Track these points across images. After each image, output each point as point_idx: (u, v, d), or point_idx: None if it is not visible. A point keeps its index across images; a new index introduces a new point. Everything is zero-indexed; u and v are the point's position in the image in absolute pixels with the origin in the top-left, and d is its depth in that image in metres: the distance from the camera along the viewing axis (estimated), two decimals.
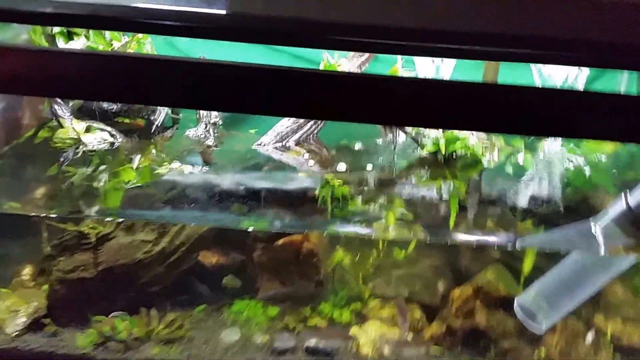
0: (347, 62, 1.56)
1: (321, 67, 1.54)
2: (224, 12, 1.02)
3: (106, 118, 1.39)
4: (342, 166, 1.47)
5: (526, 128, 1.05)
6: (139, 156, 1.36)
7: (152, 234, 1.57)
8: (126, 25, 1.09)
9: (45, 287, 1.64)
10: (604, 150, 1.66)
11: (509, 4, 1.11)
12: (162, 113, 1.49)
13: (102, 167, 1.29)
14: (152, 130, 1.47)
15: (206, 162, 1.43)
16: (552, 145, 1.63)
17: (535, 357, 1.59)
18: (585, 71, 1.58)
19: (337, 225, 1.34)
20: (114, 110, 1.40)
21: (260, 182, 1.41)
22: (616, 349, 1.64)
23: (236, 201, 1.35)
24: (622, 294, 1.64)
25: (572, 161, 1.61)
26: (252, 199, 1.38)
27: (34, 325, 1.57)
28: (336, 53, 1.56)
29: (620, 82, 1.75)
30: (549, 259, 1.62)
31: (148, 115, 1.45)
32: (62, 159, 1.32)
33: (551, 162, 1.61)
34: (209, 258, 1.65)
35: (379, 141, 1.63)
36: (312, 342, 1.57)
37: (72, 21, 1.13)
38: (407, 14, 1.07)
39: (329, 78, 0.95)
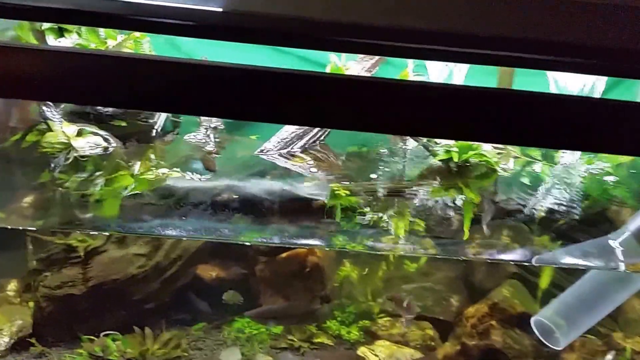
0: (355, 65, 1.49)
1: (328, 70, 1.47)
2: (223, 9, 0.96)
3: (101, 121, 1.30)
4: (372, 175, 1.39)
5: (546, 140, 0.97)
6: (137, 162, 1.27)
7: (145, 247, 1.48)
8: (120, 23, 1.01)
9: (31, 303, 1.53)
10: (621, 160, 1.61)
11: (525, 8, 1.05)
12: (161, 116, 1.40)
13: (96, 174, 1.20)
14: (152, 135, 1.38)
15: (207, 169, 1.34)
16: (569, 155, 1.57)
17: None
18: (602, 81, 1.53)
19: (344, 238, 1.25)
20: (109, 113, 1.32)
21: (263, 191, 1.33)
22: None
23: (237, 212, 1.26)
24: None
25: (590, 172, 1.55)
26: (255, 209, 1.29)
27: (19, 346, 1.48)
28: (344, 55, 1.48)
29: (638, 91, 1.71)
30: (566, 275, 1.56)
31: (146, 118, 1.37)
32: (51, 165, 1.23)
33: (568, 173, 1.55)
34: (208, 272, 1.56)
35: (389, 148, 1.56)
36: None
37: (62, 17, 1.05)
38: (419, 15, 1.01)
39: (334, 82, 0.86)
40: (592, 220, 1.42)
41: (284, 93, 0.83)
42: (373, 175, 1.44)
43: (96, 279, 1.48)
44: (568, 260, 1.40)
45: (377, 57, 1.52)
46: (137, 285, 1.50)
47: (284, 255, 1.53)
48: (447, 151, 1.45)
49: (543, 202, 1.40)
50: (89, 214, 1.18)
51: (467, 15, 1.04)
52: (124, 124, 1.34)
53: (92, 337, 1.52)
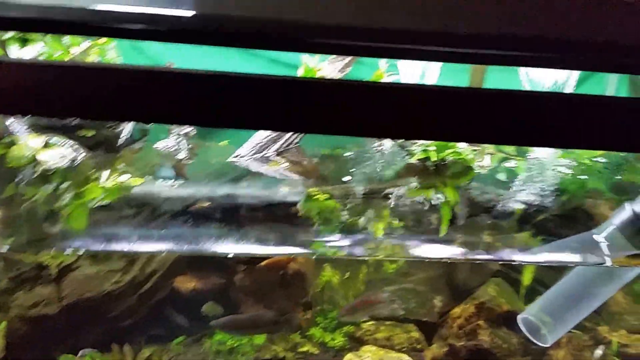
0: (328, 65, 1.48)
1: (300, 72, 1.45)
2: (192, 13, 0.94)
3: (68, 131, 1.27)
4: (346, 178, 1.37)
5: (520, 137, 0.96)
6: (105, 172, 1.23)
7: (120, 262, 1.43)
8: (87, 29, 0.99)
9: (3, 324, 1.48)
10: (595, 154, 1.61)
11: (495, 4, 1.05)
12: (128, 124, 1.37)
13: (62, 187, 1.16)
14: (119, 143, 1.35)
15: (179, 176, 1.31)
16: (543, 149, 1.57)
17: None
18: (575, 75, 1.53)
19: (323, 243, 1.23)
20: (76, 123, 1.28)
21: (238, 198, 1.30)
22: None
23: (213, 221, 1.23)
24: (625, 304, 1.58)
25: (564, 166, 1.55)
26: (232, 217, 1.26)
27: None
28: (317, 56, 1.47)
29: (608, 85, 1.72)
30: (550, 271, 1.55)
31: (114, 127, 1.33)
32: (17, 179, 1.19)
33: (543, 167, 1.55)
34: (186, 284, 1.52)
35: (366, 148, 1.54)
36: None
37: (24, 26, 1.02)
38: (390, 14, 1.00)
39: (307, 85, 0.85)
40: (570, 214, 1.42)
41: (256, 99, 0.81)
42: (348, 177, 1.43)
43: (70, 297, 1.44)
44: (552, 256, 1.40)
45: (349, 57, 1.51)
46: (114, 301, 1.46)
47: (264, 263, 1.50)
48: (425, 150, 1.44)
49: (520, 198, 1.40)
50: (58, 229, 1.14)
51: (439, 14, 1.03)
52: (91, 133, 1.31)
53: (69, 357, 1.46)
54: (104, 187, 1.18)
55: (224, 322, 1.45)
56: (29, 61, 1.19)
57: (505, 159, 1.54)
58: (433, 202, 1.36)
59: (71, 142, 1.23)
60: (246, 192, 1.33)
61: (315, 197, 1.28)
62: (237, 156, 1.40)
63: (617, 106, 0.97)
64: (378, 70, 1.47)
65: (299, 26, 1.01)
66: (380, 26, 1.01)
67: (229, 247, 1.25)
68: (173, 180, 1.31)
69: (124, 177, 1.21)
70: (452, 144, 1.44)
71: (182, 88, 0.79)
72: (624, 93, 1.70)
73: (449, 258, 1.27)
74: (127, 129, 1.38)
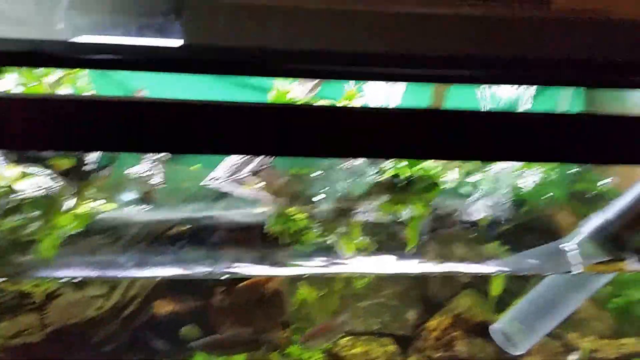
0: (298, 86, 1.55)
1: (272, 94, 1.52)
2: (174, 43, 1.00)
3: (38, 161, 1.31)
4: (294, 199, 1.43)
5: (478, 153, 1.02)
6: (73, 200, 1.27)
7: (102, 288, 1.47)
8: (72, 62, 1.04)
9: None
10: (553, 165, 1.70)
11: (454, 26, 1.13)
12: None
13: (32, 215, 1.20)
14: (87, 170, 1.39)
15: (153, 201, 1.36)
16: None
17: None
18: (531, 88, 1.62)
19: (295, 262, 1.28)
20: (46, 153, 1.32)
21: (214, 220, 1.35)
22: None
23: (190, 244, 1.28)
24: (592, 310, 1.64)
25: (525, 177, 1.63)
26: (208, 240, 1.31)
27: None
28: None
29: (562, 98, 1.82)
30: (519, 281, 1.61)
31: (81, 154, 1.38)
32: None
33: (504, 180, 1.62)
34: (164, 307, 1.55)
35: (337, 167, 1.61)
36: None
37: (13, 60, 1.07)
38: (356, 40, 1.07)
39: (278, 111, 0.90)
40: (532, 224, 1.48)
41: (228, 124, 0.86)
42: (320, 196, 1.48)
43: (54, 325, 1.47)
44: (522, 266, 1.45)
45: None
46: (97, 327, 1.49)
47: (243, 284, 1.54)
48: (396, 167, 1.51)
49: (485, 210, 1.46)
50: (28, 258, 1.17)
51: (402, 38, 1.11)
52: (63, 161, 1.35)
53: None
54: (74, 214, 1.22)
55: (204, 343, 1.49)
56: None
57: (468, 174, 1.61)
58: (402, 218, 1.42)
59: (48, 171, 1.28)
60: (221, 214, 1.38)
61: (285, 216, 1.33)
62: (212, 179, 1.46)
63: (564, 121, 1.05)
64: (351, 90, 1.54)
65: (269, 52, 1.07)
66: (344, 50, 1.08)
67: (206, 269, 1.30)
68: (147, 205, 1.35)
69: (95, 204, 1.25)
70: (421, 160, 1.51)
71: (155, 116, 0.83)
72: (579, 105, 1.79)
73: (420, 272, 1.32)
74: (94, 156, 1.42)
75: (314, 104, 1.37)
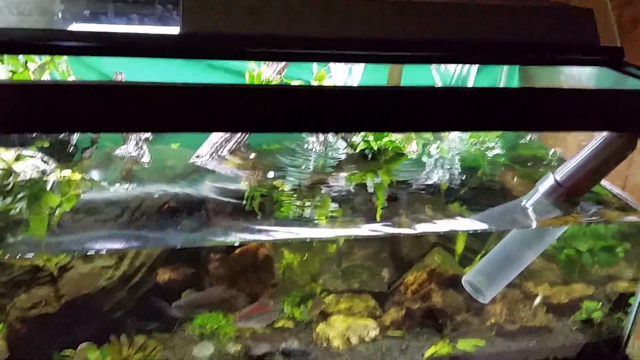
0: (267, 68, 1.68)
1: (247, 77, 1.66)
2: (169, 31, 1.10)
3: (25, 143, 1.36)
4: (270, 174, 1.58)
5: (434, 125, 1.17)
6: (55, 181, 1.35)
7: (111, 259, 1.62)
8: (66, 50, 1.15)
9: (1, 327, 1.58)
10: (496, 134, 1.90)
11: (411, 12, 1.31)
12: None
13: (20, 196, 1.29)
14: (70, 151, 1.47)
15: (142, 179, 1.46)
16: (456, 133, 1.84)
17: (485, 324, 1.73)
18: (475, 66, 1.82)
19: (273, 231, 1.40)
20: (32, 135, 1.38)
21: (203, 196, 1.48)
22: (548, 308, 1.82)
23: (184, 217, 1.40)
24: (541, 263, 1.84)
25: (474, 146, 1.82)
26: (198, 213, 1.43)
27: None
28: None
29: (500, 75, 2.03)
30: (479, 238, 1.80)
31: (63, 135, 1.42)
32: None
33: (457, 148, 1.81)
34: (165, 276, 1.71)
35: (310, 142, 1.76)
36: (285, 344, 1.65)
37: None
38: (320, 26, 1.23)
39: (249, 92, 0.94)
40: (486, 186, 1.67)
41: (205, 105, 0.96)
42: (292, 169, 1.63)
43: (68, 296, 1.60)
44: (487, 222, 1.62)
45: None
46: (107, 296, 1.63)
47: (236, 252, 1.70)
48: (366, 141, 1.69)
49: (443, 176, 1.64)
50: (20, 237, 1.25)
51: (359, 23, 1.28)
52: (47, 144, 1.43)
53: (70, 352, 1.60)
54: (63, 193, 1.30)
55: (184, 302, 1.64)
56: None
57: (427, 144, 1.79)
58: (371, 187, 1.60)
59: (41, 154, 1.35)
60: (208, 188, 1.52)
61: (260, 190, 1.49)
62: (197, 157, 1.61)
63: (504, 95, 1.23)
64: (320, 71, 1.71)
65: (243, 38, 1.23)
66: (309, 35, 1.26)
67: (199, 239, 1.43)
68: (134, 183, 1.47)
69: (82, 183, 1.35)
70: (386, 133, 1.69)
71: (142, 99, 0.89)
72: (514, 80, 2.00)
73: (391, 233, 1.48)
74: (75, 137, 1.51)
75: (294, 85, 1.53)
